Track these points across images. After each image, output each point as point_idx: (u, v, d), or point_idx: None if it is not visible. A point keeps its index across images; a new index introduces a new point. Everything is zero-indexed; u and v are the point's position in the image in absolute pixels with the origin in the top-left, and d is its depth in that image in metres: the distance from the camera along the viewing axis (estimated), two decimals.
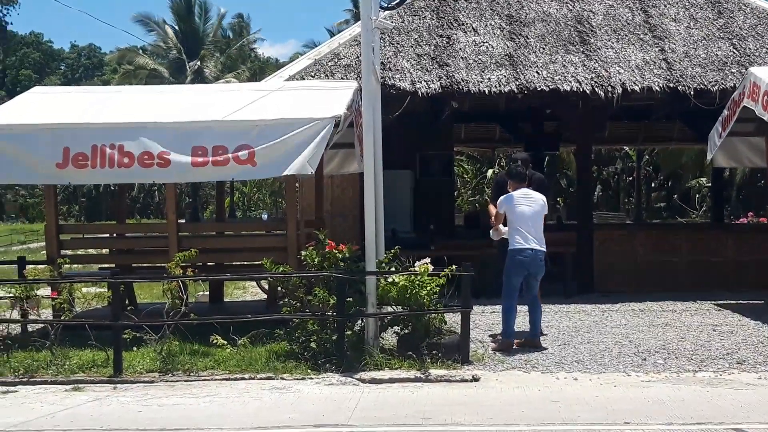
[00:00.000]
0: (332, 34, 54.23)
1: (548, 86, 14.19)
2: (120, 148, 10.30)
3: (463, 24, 15.68)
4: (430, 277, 9.24)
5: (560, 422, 7.07)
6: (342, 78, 14.05)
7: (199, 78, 45.92)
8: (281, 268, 9.72)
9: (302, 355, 9.21)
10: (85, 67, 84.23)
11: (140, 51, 53.27)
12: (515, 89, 14.19)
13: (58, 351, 9.37)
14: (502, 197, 10.17)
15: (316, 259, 9.62)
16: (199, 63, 47.52)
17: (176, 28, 50.96)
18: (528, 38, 15.33)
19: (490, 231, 10.49)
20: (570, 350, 9.93)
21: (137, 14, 49.71)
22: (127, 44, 68.03)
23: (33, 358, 9.37)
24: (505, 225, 10.26)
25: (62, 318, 9.65)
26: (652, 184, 43.19)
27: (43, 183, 11.22)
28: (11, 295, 9.86)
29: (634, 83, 14.24)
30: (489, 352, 9.80)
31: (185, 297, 9.52)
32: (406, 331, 9.48)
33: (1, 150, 10.45)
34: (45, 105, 11.80)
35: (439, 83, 14.19)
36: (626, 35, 15.45)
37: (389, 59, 14.51)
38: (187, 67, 47.84)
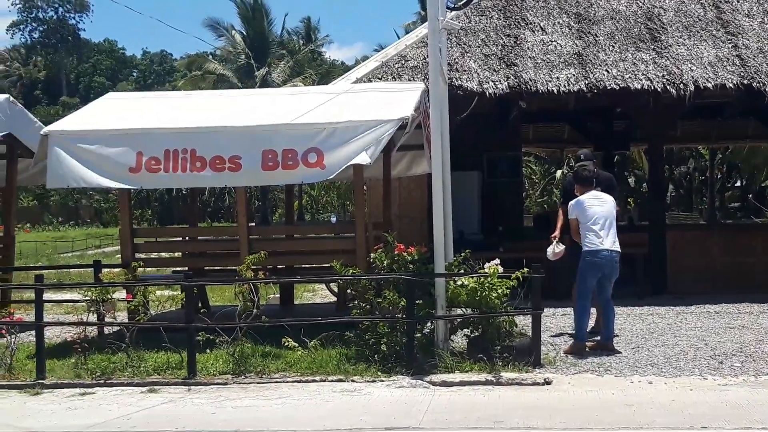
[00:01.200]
0: (399, 36, 54.37)
1: (618, 85, 13.97)
2: (192, 153, 10.47)
3: (530, 23, 15.54)
4: (499, 280, 9.18)
5: (636, 426, 6.95)
6: (409, 80, 14.05)
7: (267, 82, 46.41)
8: (351, 271, 9.76)
9: (372, 358, 9.23)
10: (157, 74, 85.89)
11: (209, 56, 54.09)
12: (584, 88, 14.01)
13: (134, 353, 9.54)
14: (571, 202, 10.04)
15: (385, 262, 9.64)
16: (266, 67, 48.02)
17: (244, 32, 51.59)
18: (597, 36, 15.12)
19: (548, 249, 10.34)
20: (644, 353, 9.76)
21: (207, 20, 50.42)
22: (197, 50, 69.38)
23: (109, 361, 9.57)
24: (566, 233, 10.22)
25: (137, 320, 9.83)
26: (726, 184, 42.23)
27: (118, 187, 11.43)
28: (88, 298, 10.05)
29: (707, 80, 13.93)
30: (561, 355, 9.69)
31: (257, 300, 9.61)
32: (476, 333, 9.42)
33: (76, 155, 10.70)
34: (118, 111, 12.06)
35: (506, 83, 14.09)
36: (698, 31, 15.13)
37: (456, 60, 14.45)
38: (254, 71, 48.38)
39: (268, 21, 52.01)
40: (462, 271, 9.47)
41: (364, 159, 10.21)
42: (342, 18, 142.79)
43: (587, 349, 9.79)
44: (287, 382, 8.86)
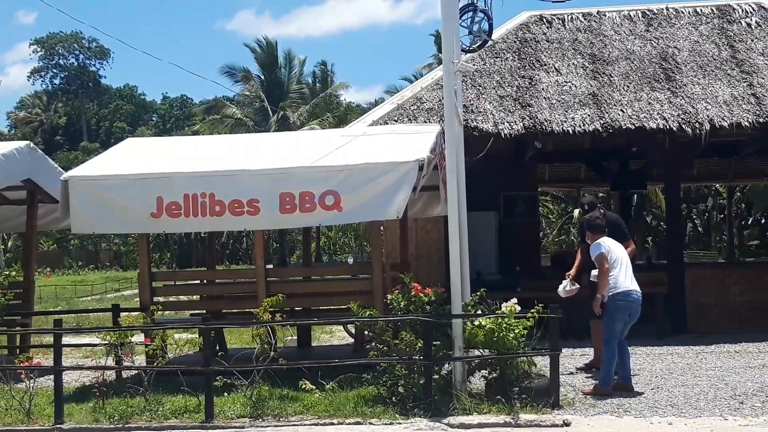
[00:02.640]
0: (411, 81, 54.77)
1: (634, 124, 14.01)
2: (211, 196, 10.57)
3: (545, 64, 15.65)
4: (517, 320, 9.15)
5: None
6: (425, 121, 14.15)
7: (284, 126, 46.72)
8: (368, 312, 9.76)
9: (390, 400, 9.19)
10: (177, 118, 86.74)
11: (227, 101, 54.61)
12: (600, 128, 14.05)
13: (152, 397, 9.55)
14: (591, 248, 10.02)
15: (402, 303, 9.63)
16: (283, 111, 48.43)
17: (261, 77, 52.13)
18: (612, 76, 15.19)
19: (560, 286, 10.41)
20: (663, 394, 9.68)
21: (224, 66, 51.05)
22: (215, 95, 70.06)
23: (127, 405, 9.57)
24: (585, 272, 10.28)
25: (155, 364, 9.85)
26: (745, 222, 41.96)
27: (139, 232, 11.53)
28: (106, 342, 10.08)
29: (723, 119, 13.94)
30: (579, 396, 9.62)
31: (274, 342, 9.62)
32: (494, 374, 9.38)
33: (97, 200, 10.82)
34: (138, 155, 12.21)
35: (522, 124, 14.16)
36: (713, 71, 15.17)
37: (471, 101, 14.56)
38: (271, 115, 48.79)
39: (286, 66, 52.55)
40: (479, 312, 9.44)
41: (393, 215, 10.38)
42: (357, 62, 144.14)
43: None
44: (305, 424, 8.84)
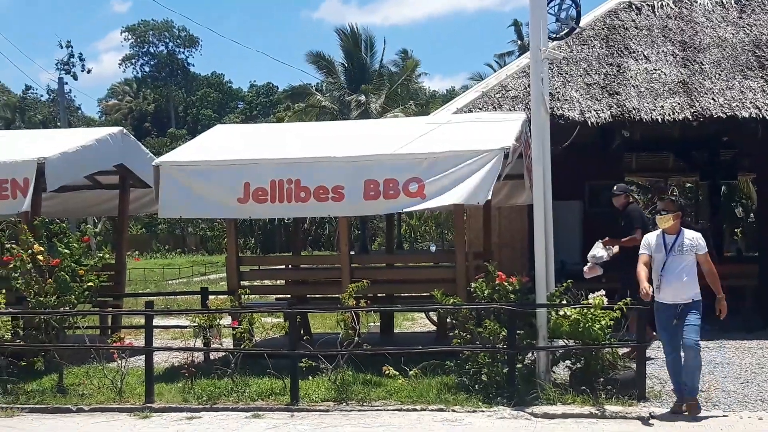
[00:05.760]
0: (493, 68, 54.33)
1: (725, 113, 13.65)
2: (297, 183, 10.71)
3: (633, 52, 15.37)
4: (603, 311, 9.06)
5: None
6: (510, 109, 14.05)
7: (366, 113, 46.89)
8: (451, 300, 9.79)
9: (473, 388, 9.21)
10: (262, 105, 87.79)
11: (312, 88, 55.08)
12: (690, 117, 13.74)
13: (239, 379, 9.76)
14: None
15: (485, 291, 9.62)
16: (365, 98, 48.58)
17: (345, 65, 52.35)
18: (703, 64, 14.83)
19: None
20: (753, 388, 9.47)
21: (310, 52, 51.29)
22: (300, 82, 70.40)
23: (215, 386, 9.80)
24: None
25: (243, 347, 10.05)
26: None
27: (226, 217, 11.76)
28: (195, 324, 10.33)
29: None
30: (666, 388, 9.46)
31: (358, 328, 9.73)
32: (579, 365, 9.31)
33: (187, 186, 11.07)
34: (226, 142, 12.45)
35: (609, 112, 13.94)
36: None
37: (557, 89, 14.40)
38: (354, 102, 49.02)
39: (369, 53, 52.68)
40: (564, 302, 9.37)
41: (476, 200, 10.31)
42: (442, 50, 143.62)
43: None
44: (388, 410, 8.92)
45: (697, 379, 8.57)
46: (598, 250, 11.30)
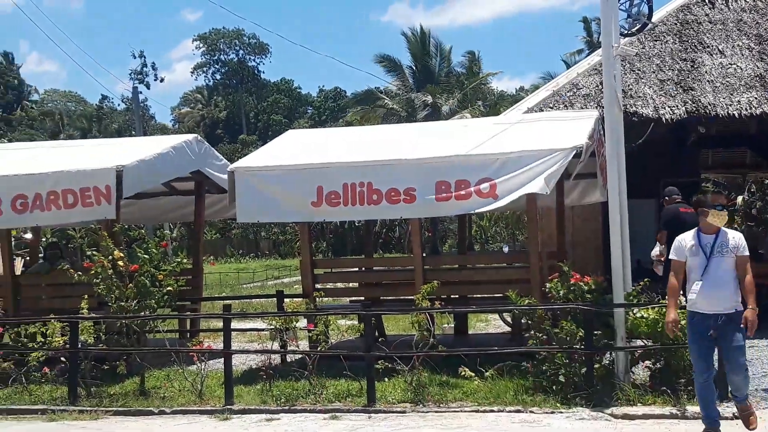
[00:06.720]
0: (568, 65, 53.67)
1: None
2: (369, 186, 10.76)
3: (708, 46, 15.07)
4: (682, 310, 8.88)
5: None
6: (581, 108, 13.92)
7: (434, 115, 46.84)
8: (526, 301, 9.73)
9: (550, 389, 9.15)
10: (331, 110, 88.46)
11: (379, 92, 55.25)
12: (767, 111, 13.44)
13: (316, 381, 9.85)
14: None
15: (561, 291, 9.55)
16: (433, 100, 48.52)
17: (412, 68, 52.43)
18: None
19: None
20: None
21: (378, 55, 51.61)
22: (367, 85, 70.75)
23: (293, 387, 9.92)
24: None
25: (319, 349, 10.14)
26: None
27: (301, 221, 11.88)
28: (272, 327, 10.45)
29: None
30: (750, 388, 9.23)
31: (433, 329, 9.73)
32: (659, 365, 9.16)
33: (261, 190, 11.23)
34: (298, 147, 12.58)
35: (684, 108, 13.73)
36: None
37: (630, 86, 14.21)
38: (421, 105, 49.00)
39: (436, 55, 52.68)
40: (641, 301, 9.24)
41: (541, 188, 10.13)
42: (510, 49, 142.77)
43: None
44: (465, 411, 8.91)
45: (745, 389, 7.53)
46: (655, 248, 11.20)
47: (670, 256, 7.66)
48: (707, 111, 13.67)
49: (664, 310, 8.79)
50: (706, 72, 14.47)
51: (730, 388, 7.78)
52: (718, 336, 7.32)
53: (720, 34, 15.33)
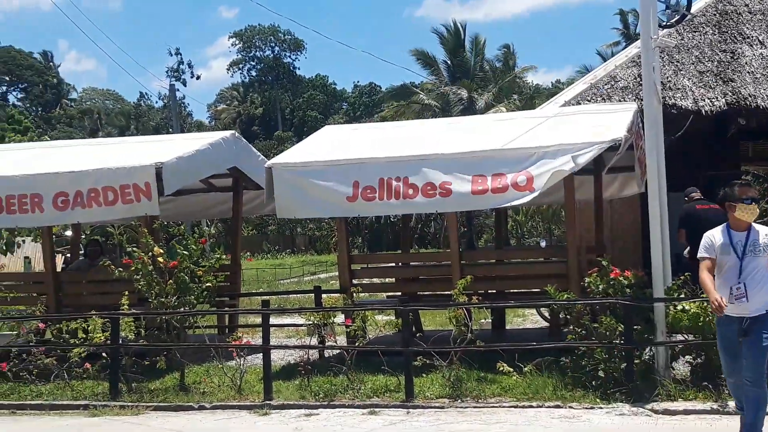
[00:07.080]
0: (603, 58, 53.21)
1: None
2: (405, 180, 10.76)
3: (748, 37, 14.86)
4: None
5: None
6: (619, 100, 13.79)
7: (470, 109, 46.69)
8: (565, 296, 9.67)
9: (589, 384, 9.08)
10: (366, 105, 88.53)
11: (414, 87, 55.18)
12: None
13: (354, 376, 9.87)
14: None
15: (600, 286, 9.47)
16: (468, 94, 48.36)
17: (447, 62, 52.27)
18: None
19: None
20: None
21: (412, 50, 51.51)
22: (402, 81, 70.77)
23: (331, 383, 9.94)
24: None
25: (357, 344, 10.16)
26: None
27: (337, 216, 11.91)
28: (310, 322, 10.49)
29: None
30: None
31: (470, 324, 9.71)
32: (700, 360, 9.06)
33: (299, 186, 11.27)
34: (334, 142, 12.60)
35: (724, 100, 13.56)
36: None
37: (669, 78, 14.05)
38: (457, 99, 48.86)
39: (471, 49, 52.49)
40: (682, 296, 9.14)
41: (570, 167, 10.08)
42: (546, 43, 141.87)
43: None
44: (503, 407, 8.88)
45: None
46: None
47: (699, 254, 7.12)
48: (747, 102, 13.50)
49: (705, 304, 8.71)
50: (746, 63, 14.27)
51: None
52: (746, 338, 6.84)
53: (760, 25, 15.11)
